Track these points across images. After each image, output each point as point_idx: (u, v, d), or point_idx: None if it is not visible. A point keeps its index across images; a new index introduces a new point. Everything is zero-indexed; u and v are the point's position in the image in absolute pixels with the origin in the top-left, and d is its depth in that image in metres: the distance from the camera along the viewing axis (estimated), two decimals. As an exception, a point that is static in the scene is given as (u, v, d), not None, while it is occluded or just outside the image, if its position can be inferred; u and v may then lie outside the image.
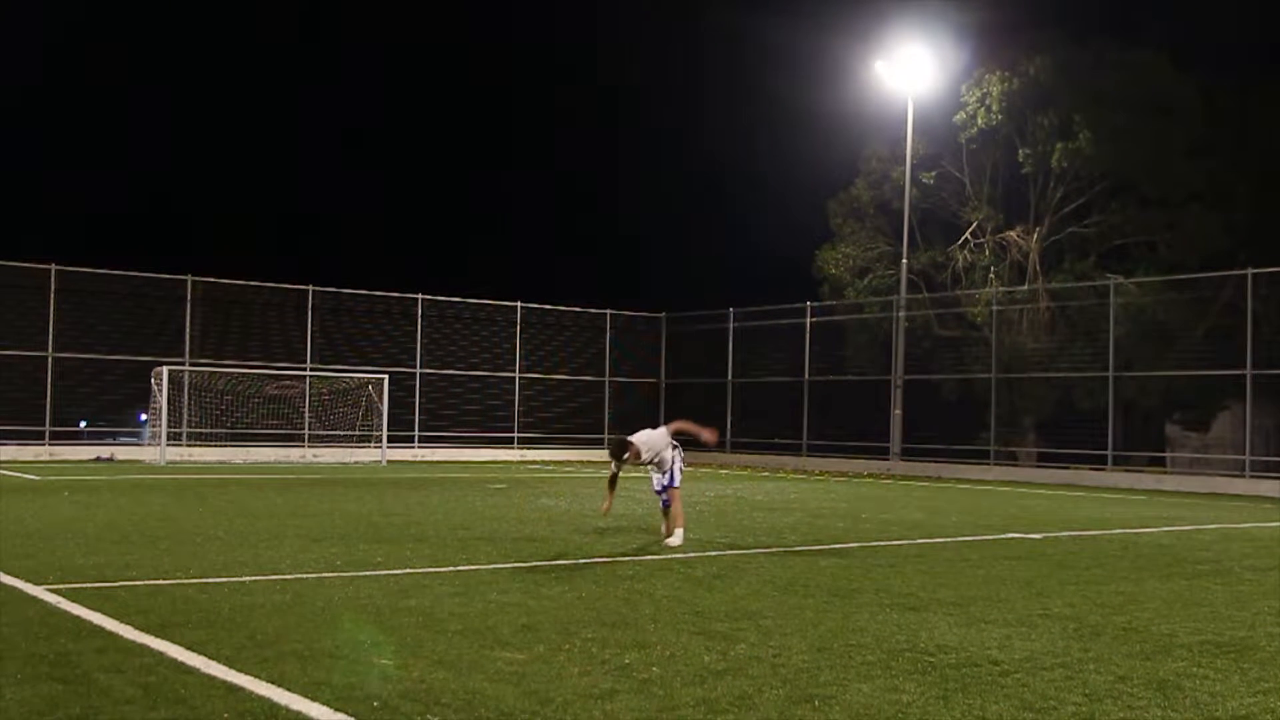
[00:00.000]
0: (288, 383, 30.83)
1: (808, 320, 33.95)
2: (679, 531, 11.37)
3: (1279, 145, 30.09)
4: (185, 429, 29.28)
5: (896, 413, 31.73)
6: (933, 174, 33.84)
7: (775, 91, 59.02)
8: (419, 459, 32.19)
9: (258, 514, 13.84)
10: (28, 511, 13.60)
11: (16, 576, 8.34)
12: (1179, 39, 34.23)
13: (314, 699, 5.09)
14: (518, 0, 69.30)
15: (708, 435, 11.96)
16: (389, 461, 29.92)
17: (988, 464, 29.64)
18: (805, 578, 9.14)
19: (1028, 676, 5.82)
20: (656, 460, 11.38)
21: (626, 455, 11.19)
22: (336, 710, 4.92)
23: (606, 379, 36.95)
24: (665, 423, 11.90)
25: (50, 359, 28.71)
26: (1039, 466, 29.59)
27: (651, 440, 11.34)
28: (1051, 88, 31.59)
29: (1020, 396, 31.57)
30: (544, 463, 32.64)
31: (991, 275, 32.88)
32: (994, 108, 32.18)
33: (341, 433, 31.26)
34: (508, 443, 34.87)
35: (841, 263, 35.17)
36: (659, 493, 11.50)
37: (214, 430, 29.62)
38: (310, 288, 32.16)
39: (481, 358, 34.98)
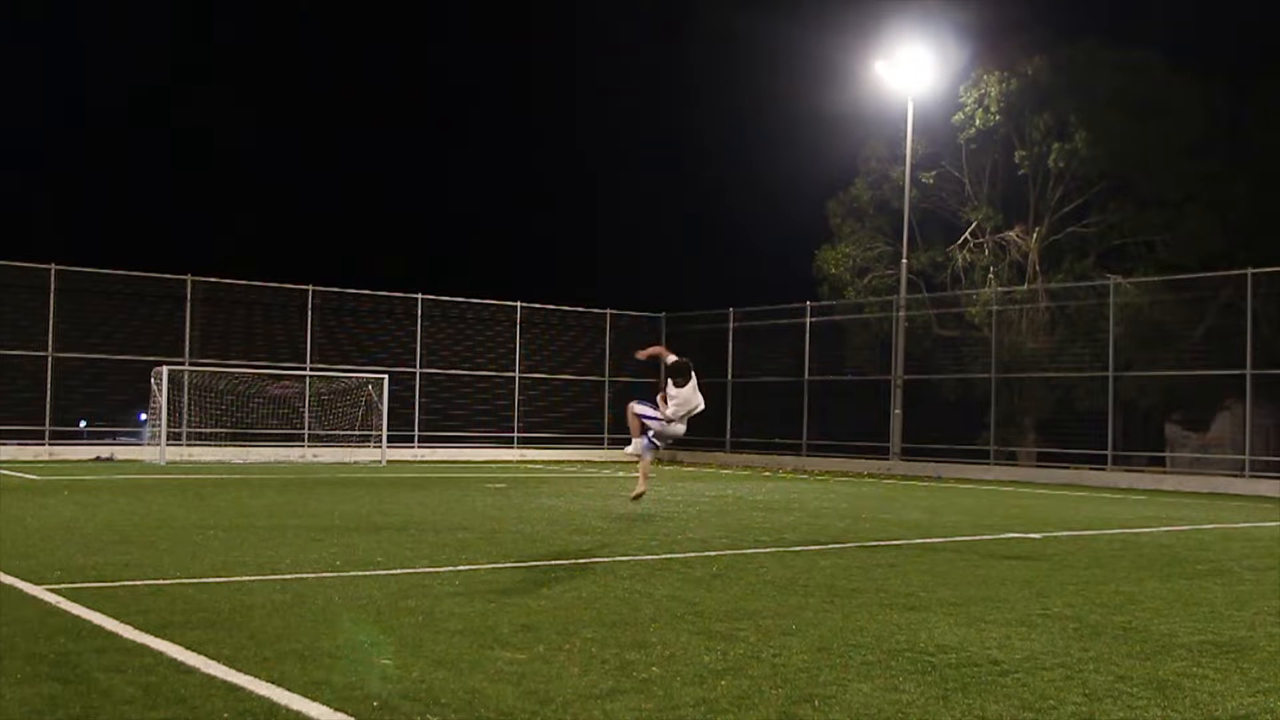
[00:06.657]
0: (287, 382, 30.82)
1: (807, 320, 33.95)
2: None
3: (1277, 145, 30.07)
4: (185, 429, 29.28)
5: (896, 412, 31.74)
6: (932, 174, 33.83)
7: (775, 91, 59.09)
8: (419, 459, 32.19)
9: (257, 514, 13.84)
10: (27, 511, 13.60)
11: (16, 576, 8.33)
12: (1176, 39, 34.21)
13: (314, 699, 5.09)
14: (518, 1, 69.31)
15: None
16: (389, 461, 29.92)
17: (987, 464, 29.65)
18: (805, 577, 9.15)
19: (1027, 676, 5.83)
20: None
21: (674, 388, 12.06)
22: (336, 710, 4.92)
23: (606, 379, 36.93)
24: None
25: (50, 359, 28.70)
26: (1039, 466, 29.59)
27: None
28: (1048, 88, 31.58)
29: (1020, 396, 31.59)
30: (544, 463, 32.64)
31: (991, 275, 32.88)
32: (992, 108, 32.17)
33: (341, 432, 31.25)
34: (508, 443, 34.86)
35: (841, 262, 35.15)
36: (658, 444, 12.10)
37: (214, 430, 29.63)
38: (310, 287, 32.16)
39: (482, 357, 34.98)
